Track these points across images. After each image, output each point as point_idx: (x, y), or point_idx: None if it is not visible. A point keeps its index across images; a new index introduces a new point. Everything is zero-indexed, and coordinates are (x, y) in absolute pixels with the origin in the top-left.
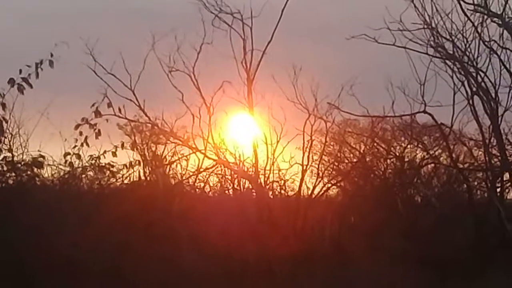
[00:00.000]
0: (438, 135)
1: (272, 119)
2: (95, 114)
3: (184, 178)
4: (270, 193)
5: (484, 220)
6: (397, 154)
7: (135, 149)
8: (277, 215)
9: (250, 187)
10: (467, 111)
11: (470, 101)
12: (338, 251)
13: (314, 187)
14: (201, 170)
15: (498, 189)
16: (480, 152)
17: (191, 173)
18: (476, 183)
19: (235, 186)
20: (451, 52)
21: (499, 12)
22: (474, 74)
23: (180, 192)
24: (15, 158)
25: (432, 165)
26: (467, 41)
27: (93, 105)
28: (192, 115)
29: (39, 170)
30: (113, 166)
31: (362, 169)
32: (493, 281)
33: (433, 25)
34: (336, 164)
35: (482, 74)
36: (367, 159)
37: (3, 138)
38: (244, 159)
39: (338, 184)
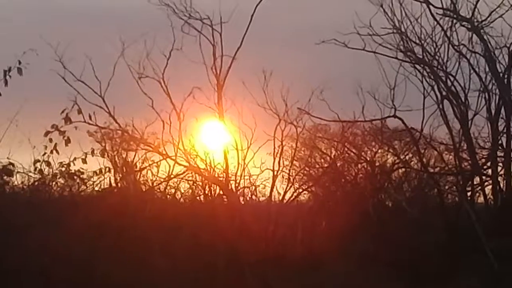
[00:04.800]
0: (409, 139)
1: (243, 125)
2: (65, 121)
3: (155, 184)
4: (241, 198)
5: (455, 224)
6: (368, 158)
7: (105, 156)
8: (248, 220)
9: (221, 193)
10: (437, 115)
11: (440, 105)
12: (309, 256)
13: (285, 192)
14: (172, 176)
15: (469, 193)
16: (451, 156)
17: (162, 180)
18: (446, 187)
19: (206, 192)
20: (421, 57)
21: (468, 16)
22: (443, 78)
23: (151, 199)
24: None
25: (403, 169)
26: (436, 46)
27: (63, 111)
28: (162, 121)
29: (9, 178)
30: (83, 173)
31: (333, 174)
32: (464, 285)
33: (403, 29)
34: (307, 169)
35: (452, 78)
36: (338, 164)
37: None
38: (214, 165)
39: (309, 189)
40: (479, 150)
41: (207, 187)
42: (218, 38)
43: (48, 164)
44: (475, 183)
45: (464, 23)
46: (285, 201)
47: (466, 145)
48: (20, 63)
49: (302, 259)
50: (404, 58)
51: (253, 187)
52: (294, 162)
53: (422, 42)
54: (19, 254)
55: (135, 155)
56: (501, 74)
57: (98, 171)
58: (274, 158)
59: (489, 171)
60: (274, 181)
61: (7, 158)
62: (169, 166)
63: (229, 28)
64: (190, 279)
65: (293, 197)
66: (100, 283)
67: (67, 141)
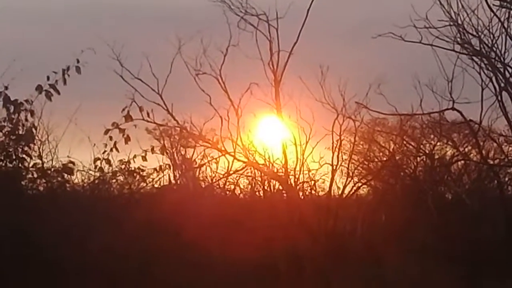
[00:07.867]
0: (468, 131)
1: (301, 120)
2: (125, 118)
3: (214, 180)
4: (301, 193)
5: None
6: (427, 151)
7: (164, 153)
8: (308, 215)
9: (281, 188)
10: (495, 107)
11: (499, 97)
12: (369, 250)
13: (344, 187)
14: (231, 172)
15: None
16: (510, 148)
17: (221, 176)
18: (506, 179)
19: (265, 187)
20: (478, 49)
21: None
22: (501, 70)
23: (211, 195)
24: (45, 165)
25: (462, 162)
26: (493, 37)
27: (124, 109)
28: (220, 117)
29: (69, 176)
30: (143, 171)
31: (392, 167)
32: None
33: (459, 21)
34: (366, 163)
35: (510, 70)
36: (397, 157)
37: (32, 145)
38: (273, 160)
39: (369, 183)
40: None
41: (266, 182)
42: (275, 34)
43: (108, 162)
44: None
45: None
46: (344, 195)
47: None
48: (78, 61)
49: (362, 253)
50: (461, 50)
51: (312, 182)
52: (353, 156)
53: (479, 34)
54: (80, 252)
55: (193, 152)
56: None
57: (157, 168)
58: (333, 153)
59: None
60: (333, 176)
61: (68, 156)
62: (228, 162)
63: (285, 24)
64: (251, 276)
65: (353, 191)
66: (160, 281)
67: (127, 139)
